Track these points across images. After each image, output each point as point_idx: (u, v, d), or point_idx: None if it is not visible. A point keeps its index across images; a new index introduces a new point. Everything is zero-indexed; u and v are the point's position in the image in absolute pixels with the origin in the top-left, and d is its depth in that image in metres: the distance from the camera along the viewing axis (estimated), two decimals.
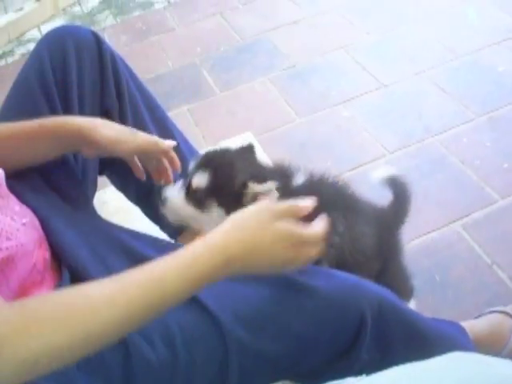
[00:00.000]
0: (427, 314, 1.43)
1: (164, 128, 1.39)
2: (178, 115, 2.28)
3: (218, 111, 2.29)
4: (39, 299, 0.66)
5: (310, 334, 0.88)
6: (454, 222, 1.68)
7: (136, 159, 1.17)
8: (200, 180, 1.10)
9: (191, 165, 1.14)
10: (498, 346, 1.28)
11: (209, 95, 2.40)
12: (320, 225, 0.83)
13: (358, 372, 0.91)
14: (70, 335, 0.64)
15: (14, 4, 3.55)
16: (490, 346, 1.26)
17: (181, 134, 1.46)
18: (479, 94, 2.13)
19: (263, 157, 1.95)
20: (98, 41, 1.24)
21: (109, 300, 0.68)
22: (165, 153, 1.16)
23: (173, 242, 1.44)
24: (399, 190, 1.29)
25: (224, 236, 0.77)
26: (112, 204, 1.73)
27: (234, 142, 1.97)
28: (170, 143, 1.17)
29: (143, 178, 1.20)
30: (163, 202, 1.13)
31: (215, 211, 1.11)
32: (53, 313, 0.64)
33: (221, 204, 1.10)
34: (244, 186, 1.05)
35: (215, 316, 0.85)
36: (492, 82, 2.17)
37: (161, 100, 2.35)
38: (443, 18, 2.61)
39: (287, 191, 1.08)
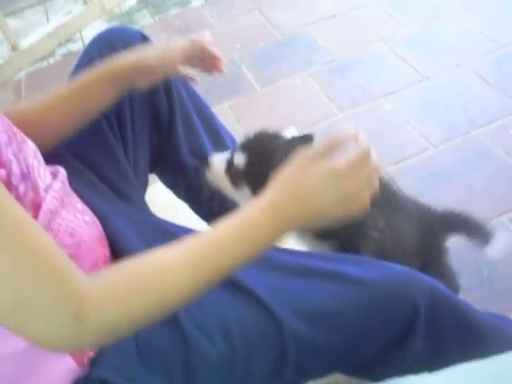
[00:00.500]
0: (476, 308, 1.44)
1: (212, 127, 1.41)
2: (220, 112, 2.29)
3: (258, 107, 2.31)
4: (114, 269, 0.71)
5: (365, 324, 0.89)
6: (501, 215, 1.67)
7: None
8: (239, 159, 1.14)
9: (241, 141, 1.18)
10: None
11: (249, 91, 2.41)
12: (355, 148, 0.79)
13: (411, 363, 0.92)
14: (144, 299, 0.69)
15: (64, 8, 3.64)
16: None
17: (229, 135, 1.47)
18: None
19: None
20: (145, 41, 1.27)
21: (175, 263, 0.72)
22: (203, 47, 1.19)
23: None
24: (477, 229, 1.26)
25: (269, 192, 0.79)
26: (159, 201, 1.75)
27: None
28: (203, 35, 1.20)
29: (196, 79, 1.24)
30: (208, 165, 1.18)
31: (246, 193, 1.15)
32: (127, 280, 0.69)
33: (252, 189, 1.14)
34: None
35: (272, 310, 0.86)
36: None
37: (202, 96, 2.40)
38: (484, 8, 2.57)
39: None
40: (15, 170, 0.74)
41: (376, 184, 0.81)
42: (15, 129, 0.83)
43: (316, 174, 0.78)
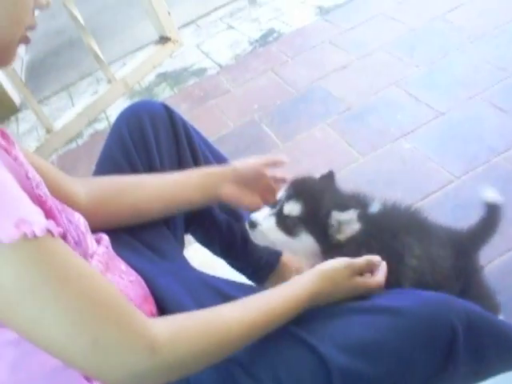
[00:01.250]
0: None
1: None
2: None
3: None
4: (184, 315, 0.84)
5: (407, 353, 0.91)
6: None
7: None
8: (291, 208, 1.18)
9: (281, 192, 1.23)
10: None
11: (272, 148, 2.49)
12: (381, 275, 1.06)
13: None
14: (210, 343, 0.82)
15: (87, 89, 3.84)
16: None
17: None
18: None
19: None
20: (169, 112, 1.36)
21: (237, 320, 0.86)
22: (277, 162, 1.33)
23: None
24: (490, 216, 1.32)
25: (311, 285, 0.98)
26: (196, 261, 1.81)
27: None
28: (277, 158, 1.34)
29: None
30: (253, 226, 1.21)
31: (304, 238, 1.19)
32: (196, 325, 0.82)
33: (310, 231, 1.18)
34: (328, 214, 1.13)
35: (315, 347, 0.90)
36: None
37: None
38: (489, 39, 2.65)
39: (364, 219, 1.14)
40: (69, 237, 0.81)
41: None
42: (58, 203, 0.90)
43: (352, 284, 1.02)
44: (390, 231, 1.17)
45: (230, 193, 1.27)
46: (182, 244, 1.39)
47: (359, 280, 1.03)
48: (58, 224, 0.76)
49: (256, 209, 1.26)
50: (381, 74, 2.71)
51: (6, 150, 0.76)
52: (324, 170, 2.18)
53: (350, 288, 1.01)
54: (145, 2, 3.70)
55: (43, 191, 0.80)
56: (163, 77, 3.62)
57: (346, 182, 2.09)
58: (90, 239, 0.93)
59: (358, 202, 1.22)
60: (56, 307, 0.68)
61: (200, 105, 3.08)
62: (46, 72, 4.70)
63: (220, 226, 1.41)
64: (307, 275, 0.99)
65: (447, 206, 1.88)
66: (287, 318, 0.93)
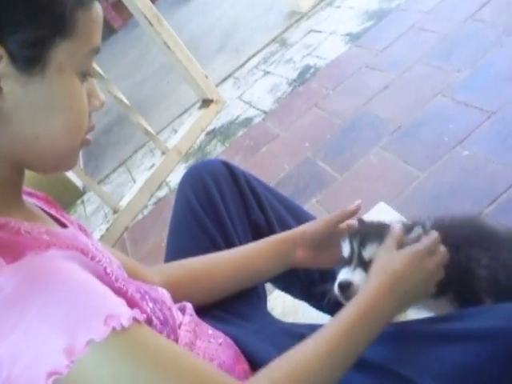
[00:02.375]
0: None
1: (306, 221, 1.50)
2: (310, 209, 2.34)
3: (344, 193, 2.38)
4: (271, 366, 0.86)
5: (507, 377, 0.89)
6: None
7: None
8: (371, 251, 1.15)
9: (344, 246, 1.20)
10: None
11: (331, 182, 2.50)
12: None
13: None
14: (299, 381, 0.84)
15: (142, 161, 3.97)
16: None
17: None
18: None
19: (401, 219, 2.00)
20: (228, 167, 1.40)
21: (314, 350, 0.87)
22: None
23: None
24: None
25: (380, 278, 0.97)
26: (279, 309, 1.83)
27: (370, 215, 2.05)
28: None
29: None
30: (347, 286, 1.15)
31: None
32: (284, 370, 0.84)
33: None
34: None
35: (412, 380, 0.90)
36: None
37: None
38: None
39: None
40: (154, 320, 0.85)
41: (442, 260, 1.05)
42: (140, 283, 0.94)
43: (408, 256, 1.00)
44: (450, 248, 1.15)
45: (304, 258, 1.29)
46: (264, 297, 1.41)
47: (432, 260, 1.01)
48: (141, 311, 0.80)
49: (332, 265, 1.26)
50: (423, 86, 2.70)
51: (83, 251, 0.80)
52: (387, 195, 2.21)
53: (425, 273, 1.00)
54: (181, 70, 3.84)
55: (122, 283, 0.84)
56: (213, 134, 3.71)
57: (411, 202, 2.11)
58: (175, 311, 0.96)
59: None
60: None
61: (253, 154, 3.14)
62: (102, 151, 4.90)
63: (297, 269, 1.43)
64: (368, 279, 0.99)
65: None
66: (371, 330, 0.92)
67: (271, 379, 0.81)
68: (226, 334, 1.06)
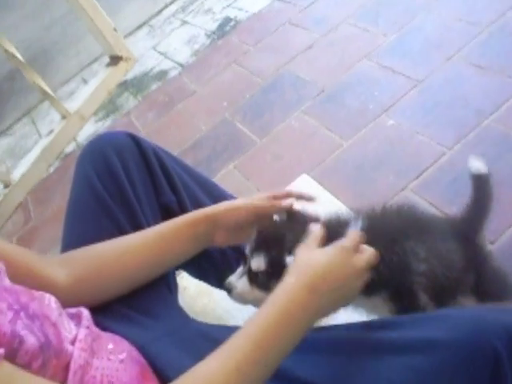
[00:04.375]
0: None
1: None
2: (227, 175, 2.26)
3: (263, 159, 2.25)
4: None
5: None
6: None
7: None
8: (258, 263, 1.06)
9: (247, 247, 1.10)
10: None
11: (250, 146, 2.36)
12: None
13: None
14: None
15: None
16: None
17: None
18: None
19: (323, 193, 1.90)
20: (135, 140, 1.24)
21: (219, 371, 0.73)
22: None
23: None
24: (478, 187, 1.21)
25: (294, 276, 0.85)
26: (192, 288, 1.70)
27: (291, 188, 1.94)
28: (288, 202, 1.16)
29: None
30: (229, 290, 1.09)
31: None
32: None
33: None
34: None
35: None
36: None
37: (205, 165, 2.38)
38: None
39: None
40: (30, 345, 0.68)
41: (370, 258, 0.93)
42: (20, 293, 0.77)
43: (329, 254, 0.89)
44: (385, 241, 1.05)
45: (224, 239, 1.15)
46: (175, 289, 1.27)
47: (359, 257, 0.91)
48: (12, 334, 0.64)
49: None
50: (349, 48, 2.59)
51: None
52: (308, 163, 2.10)
53: (351, 270, 0.88)
54: (86, 20, 3.43)
55: None
56: (124, 86, 3.47)
57: (334, 172, 2.01)
58: (67, 324, 0.81)
59: (335, 226, 1.09)
60: None
61: (167, 111, 2.94)
62: (5, 99, 4.53)
63: (214, 258, 1.29)
64: (285, 280, 0.86)
65: (444, 181, 1.77)
66: (288, 339, 0.79)
67: None
68: (132, 342, 0.92)
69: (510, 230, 1.55)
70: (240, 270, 1.11)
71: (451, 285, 1.09)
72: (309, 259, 0.88)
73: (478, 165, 1.21)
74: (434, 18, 2.46)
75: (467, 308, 0.96)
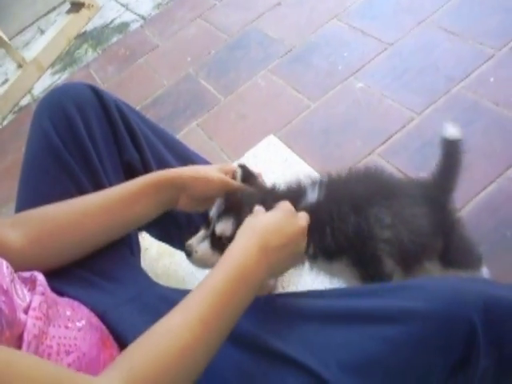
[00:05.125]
0: (507, 274, 1.34)
1: (186, 161, 1.30)
2: (190, 133, 2.19)
3: (227, 118, 2.19)
4: (131, 348, 0.69)
5: (422, 361, 0.78)
6: (508, 169, 1.57)
7: None
8: (223, 227, 1.04)
9: (211, 211, 1.07)
10: None
11: (214, 104, 2.29)
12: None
13: (480, 378, 0.82)
14: (166, 363, 0.67)
15: None
16: None
17: (203, 161, 1.38)
18: (491, 26, 1.99)
19: (289, 155, 1.85)
20: (97, 93, 1.16)
21: (182, 323, 0.71)
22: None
23: None
24: (448, 153, 1.18)
25: (247, 236, 0.87)
26: (154, 249, 1.65)
27: (258, 149, 1.89)
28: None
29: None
30: (189, 253, 1.06)
31: None
32: (147, 353, 0.67)
33: None
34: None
35: (319, 373, 0.76)
36: (501, 10, 2.03)
37: (167, 122, 2.29)
38: None
39: (313, 208, 1.03)
40: None
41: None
42: None
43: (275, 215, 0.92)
44: (347, 209, 1.02)
45: (188, 205, 1.11)
46: (138, 251, 1.21)
47: (299, 216, 0.94)
48: None
49: None
50: (318, 7, 2.52)
51: None
52: (274, 124, 2.04)
53: (295, 227, 0.91)
54: None
55: None
56: (83, 37, 3.34)
57: (301, 134, 1.97)
58: (20, 291, 0.75)
59: (294, 193, 1.07)
60: None
61: (128, 65, 2.83)
62: None
63: (179, 221, 1.24)
64: (236, 239, 0.87)
65: (413, 146, 1.74)
66: (246, 292, 0.79)
67: (131, 370, 0.64)
68: (92, 308, 0.86)
69: (476, 197, 1.53)
70: (202, 233, 1.07)
71: (417, 250, 1.08)
72: (256, 221, 0.90)
73: (452, 130, 1.18)
74: None
75: (444, 278, 0.94)
